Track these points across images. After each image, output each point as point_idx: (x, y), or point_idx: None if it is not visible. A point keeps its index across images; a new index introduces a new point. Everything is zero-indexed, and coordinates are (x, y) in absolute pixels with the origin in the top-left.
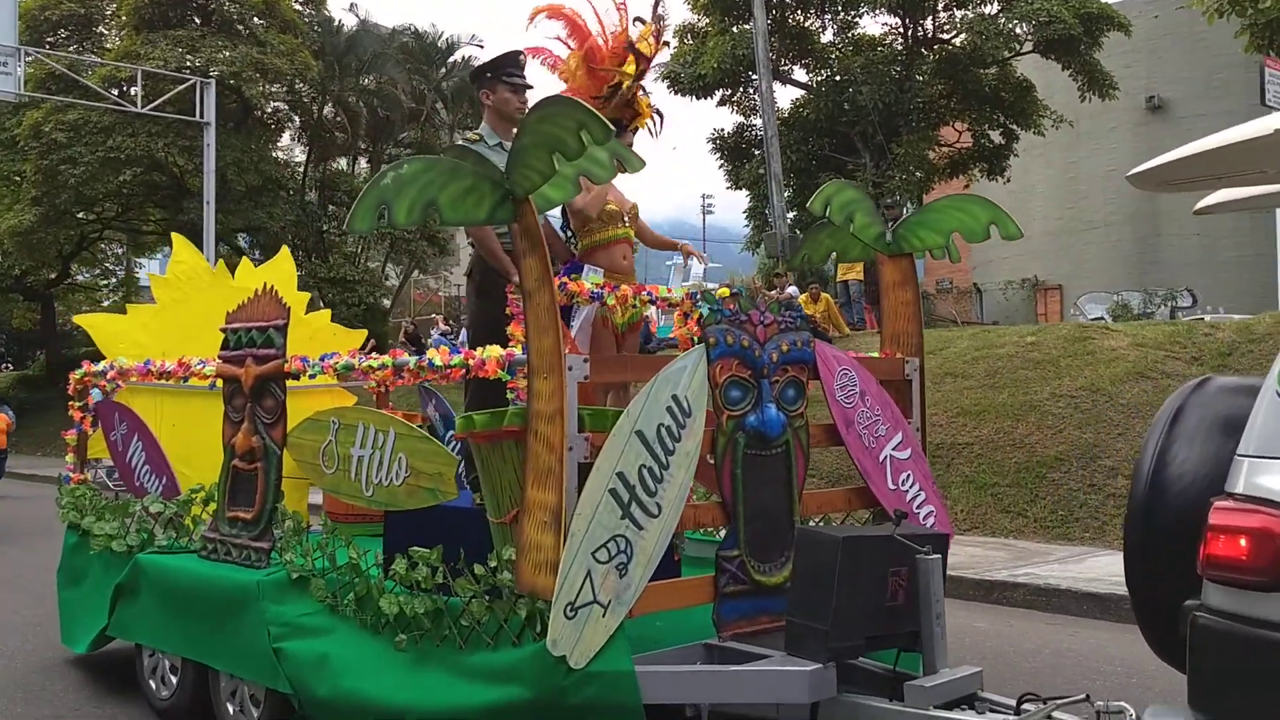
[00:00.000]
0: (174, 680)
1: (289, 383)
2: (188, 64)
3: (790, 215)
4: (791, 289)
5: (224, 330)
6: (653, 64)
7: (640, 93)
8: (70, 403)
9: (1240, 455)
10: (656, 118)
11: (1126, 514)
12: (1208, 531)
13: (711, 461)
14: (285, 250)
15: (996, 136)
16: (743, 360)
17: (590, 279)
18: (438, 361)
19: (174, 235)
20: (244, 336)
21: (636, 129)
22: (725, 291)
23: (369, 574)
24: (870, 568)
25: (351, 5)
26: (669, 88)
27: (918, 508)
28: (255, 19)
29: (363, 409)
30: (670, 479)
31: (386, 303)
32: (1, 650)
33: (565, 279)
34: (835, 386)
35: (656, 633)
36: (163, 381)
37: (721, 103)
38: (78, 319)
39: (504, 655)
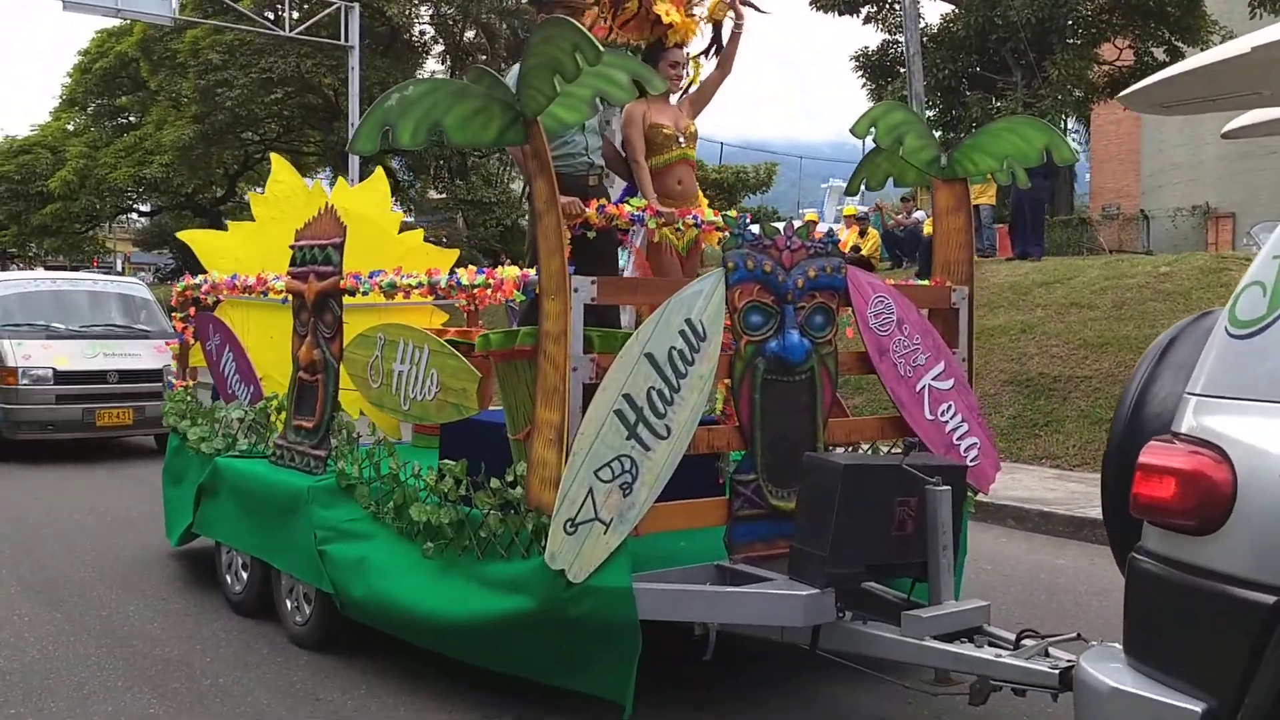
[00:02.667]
0: (245, 576)
1: (391, 299)
2: None
3: (936, 135)
4: (919, 213)
5: (292, 248)
6: None
7: (657, 4)
8: (173, 314)
9: (1188, 393)
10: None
11: (1106, 447)
12: (1137, 470)
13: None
14: (380, 171)
15: (1160, 54)
16: (765, 285)
17: (631, 203)
18: (464, 280)
19: (273, 155)
20: (309, 253)
21: (682, 43)
22: (851, 210)
23: (407, 484)
24: (875, 496)
25: None
26: (811, 4)
27: (958, 439)
28: None
29: (404, 326)
30: (682, 401)
31: (524, 223)
32: (113, 543)
33: (604, 201)
34: (869, 314)
35: (680, 551)
36: (247, 295)
37: (867, 20)
38: (180, 235)
39: (515, 567)
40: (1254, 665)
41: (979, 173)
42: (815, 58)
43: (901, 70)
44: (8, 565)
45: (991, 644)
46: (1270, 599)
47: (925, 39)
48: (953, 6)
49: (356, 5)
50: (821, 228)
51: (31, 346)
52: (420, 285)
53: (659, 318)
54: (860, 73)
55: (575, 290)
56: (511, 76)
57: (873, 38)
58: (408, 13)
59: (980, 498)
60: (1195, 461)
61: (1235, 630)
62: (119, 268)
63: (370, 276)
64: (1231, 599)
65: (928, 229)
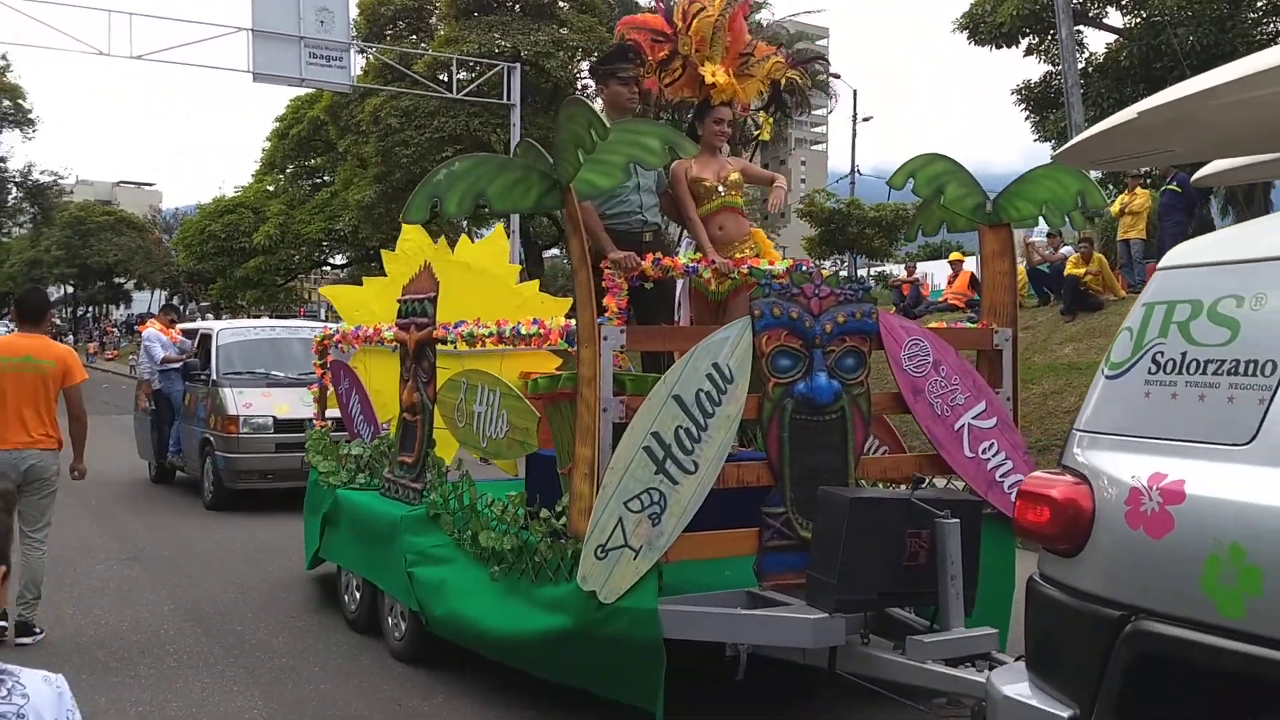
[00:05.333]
0: (358, 597)
1: (472, 347)
2: (504, 49)
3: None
4: (1066, 249)
5: (399, 301)
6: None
7: (703, 66)
8: (314, 361)
9: (1074, 429)
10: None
11: None
12: (1018, 498)
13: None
14: (499, 228)
15: None
16: (792, 331)
17: (685, 254)
18: (523, 330)
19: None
20: (411, 307)
21: (729, 101)
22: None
23: (481, 513)
24: (883, 528)
25: None
26: (968, 39)
27: (1002, 476)
28: (560, 2)
29: (482, 371)
30: (709, 439)
31: None
32: (261, 568)
33: (659, 255)
34: (902, 356)
35: (722, 578)
36: (367, 344)
37: (1028, 52)
38: (322, 290)
39: (559, 589)
40: (1102, 674)
41: (1021, 218)
42: (1001, 86)
43: (1064, 101)
44: (165, 587)
45: (992, 667)
46: (1115, 613)
47: (1090, 69)
48: (1116, 36)
49: (518, 66)
50: (969, 263)
51: (252, 395)
52: (492, 334)
53: (686, 363)
54: (1022, 105)
55: (604, 339)
56: None
57: (1035, 69)
58: (567, 68)
59: None
60: (1064, 490)
61: (1092, 643)
62: (322, 315)
63: (455, 327)
64: (1089, 614)
65: (1070, 267)
